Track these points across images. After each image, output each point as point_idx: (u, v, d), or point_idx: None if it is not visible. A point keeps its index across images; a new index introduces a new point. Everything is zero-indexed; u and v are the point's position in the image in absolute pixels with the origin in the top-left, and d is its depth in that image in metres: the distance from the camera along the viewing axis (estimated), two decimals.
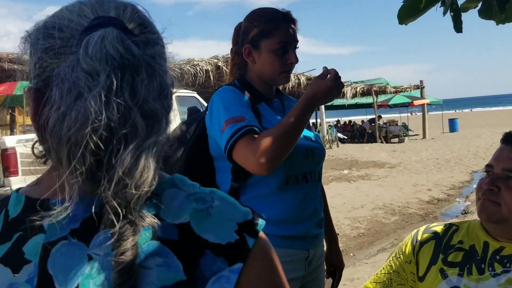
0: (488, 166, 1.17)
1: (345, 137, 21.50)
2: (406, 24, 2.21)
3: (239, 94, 1.48)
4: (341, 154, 14.79)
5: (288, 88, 15.10)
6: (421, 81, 21.57)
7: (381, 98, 22.08)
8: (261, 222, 0.62)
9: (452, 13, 2.13)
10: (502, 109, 60.76)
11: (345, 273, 4.47)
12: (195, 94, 8.67)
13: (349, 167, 11.63)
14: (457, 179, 9.32)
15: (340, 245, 5.80)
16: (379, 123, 20.79)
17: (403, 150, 15.49)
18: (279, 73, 1.52)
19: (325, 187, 6.28)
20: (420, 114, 24.78)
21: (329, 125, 19.51)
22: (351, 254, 5.17)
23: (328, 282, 1.76)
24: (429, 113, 24.35)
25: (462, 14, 2.22)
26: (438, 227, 1.30)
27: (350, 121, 25.67)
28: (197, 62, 11.19)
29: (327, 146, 16.52)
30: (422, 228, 1.34)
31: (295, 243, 1.48)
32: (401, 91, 21.19)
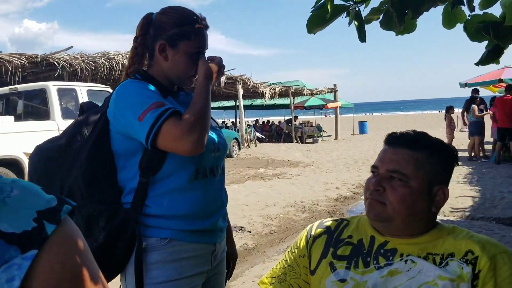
0: (374, 167, 1.23)
1: (263, 137, 21.94)
2: (314, 33, 2.32)
3: (147, 85, 1.45)
4: (259, 153, 15.06)
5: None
6: (334, 85, 22.65)
7: (298, 99, 22.87)
8: (65, 208, 0.61)
9: (356, 24, 2.27)
10: (408, 113, 65.64)
11: (256, 269, 4.60)
12: (109, 89, 8.33)
13: (265, 166, 11.88)
14: (364, 178, 9.89)
15: (251, 242, 5.87)
16: (295, 124, 21.47)
17: (317, 150, 16.15)
18: (189, 76, 1.54)
19: (241, 186, 6.34)
20: (333, 116, 25.96)
21: (248, 125, 19.79)
22: (263, 251, 5.29)
23: None
24: (342, 115, 25.63)
25: (368, 24, 2.37)
26: (330, 222, 1.36)
27: (268, 121, 26.23)
28: (112, 56, 10.77)
29: (246, 145, 16.74)
30: (316, 223, 1.39)
31: (203, 237, 1.50)
32: (316, 94, 22.10)
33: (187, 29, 1.49)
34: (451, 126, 12.36)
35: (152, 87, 1.45)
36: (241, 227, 5.85)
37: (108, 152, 1.46)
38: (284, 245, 5.52)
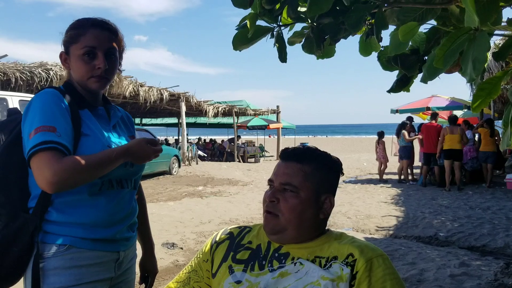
0: (270, 180, 1.34)
1: (205, 155, 21.88)
2: (240, 51, 2.43)
3: (59, 99, 1.47)
4: (199, 171, 14.99)
5: (150, 102, 14.92)
6: (277, 106, 23.14)
7: (242, 119, 23.10)
8: None
9: (277, 45, 2.41)
10: (348, 137, 67.99)
11: None
12: None
13: (205, 184, 11.85)
14: None
15: (183, 258, 5.82)
16: (238, 143, 21.63)
17: (257, 170, 16.34)
18: (88, 78, 1.54)
19: (177, 203, 6.31)
20: (275, 137, 26.40)
21: (190, 142, 19.67)
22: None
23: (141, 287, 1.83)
24: (284, 136, 26.13)
25: (292, 46, 2.51)
26: (235, 229, 1.46)
27: (211, 140, 26.22)
28: (50, 66, 10.42)
29: (187, 163, 16.61)
30: (221, 230, 1.48)
31: (105, 245, 1.51)
32: (260, 114, 22.45)
33: (72, 33, 1.54)
34: (378, 152, 12.84)
35: (61, 103, 1.47)
36: (173, 244, 5.80)
37: (19, 158, 1.47)
38: None
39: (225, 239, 1.42)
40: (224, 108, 19.63)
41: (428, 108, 12.76)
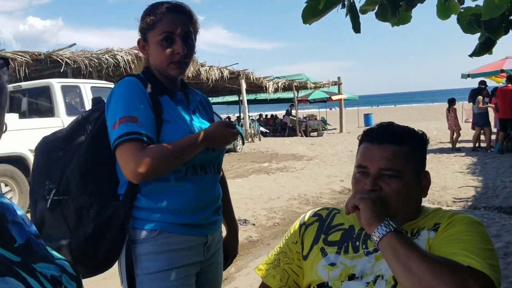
0: (361, 166, 1.24)
1: (267, 131, 21.92)
2: (310, 24, 2.36)
3: (139, 88, 1.49)
4: (263, 147, 15.11)
5: (212, 81, 15.14)
6: (338, 78, 22.59)
7: (302, 93, 22.83)
8: None
9: (350, 15, 2.31)
10: (413, 105, 65.29)
11: (260, 261, 4.61)
12: (113, 85, 8.38)
13: (269, 160, 11.93)
14: None
15: (256, 234, 5.94)
16: (299, 118, 21.47)
17: (321, 144, 16.16)
18: (167, 64, 1.54)
19: (245, 180, 6.40)
20: (337, 109, 25.92)
21: (252, 119, 19.80)
22: (267, 243, 5.35)
23: None
24: (346, 108, 25.55)
25: (365, 15, 2.40)
26: (322, 211, 1.43)
27: (272, 115, 26.22)
28: (116, 52, 10.82)
29: (249, 139, 16.79)
30: (308, 212, 1.45)
31: (193, 230, 1.54)
32: (320, 87, 22.05)
33: (148, 20, 1.53)
34: (449, 119, 12.22)
35: (142, 91, 1.49)
36: (245, 220, 5.92)
37: (107, 146, 1.50)
38: None
39: (314, 221, 1.40)
40: (284, 83, 19.49)
41: (502, 71, 11.87)
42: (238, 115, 26.47)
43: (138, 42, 1.59)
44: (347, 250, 1.27)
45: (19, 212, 0.76)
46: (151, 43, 1.54)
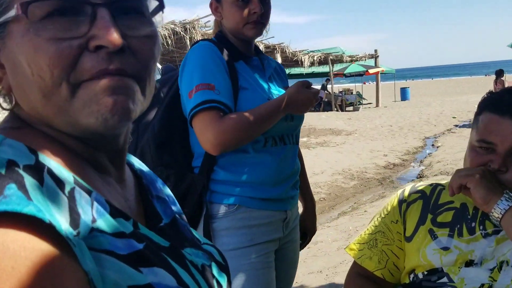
0: (486, 142, 1.06)
1: None
2: None
3: (214, 53, 1.40)
4: None
5: None
6: (375, 51, 21.91)
7: (337, 67, 22.30)
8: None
9: None
10: (451, 79, 63.14)
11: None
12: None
13: (307, 135, 11.73)
14: (411, 145, 9.62)
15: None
16: (335, 92, 21.04)
17: (358, 118, 15.80)
18: (243, 24, 1.44)
19: None
20: (372, 83, 25.29)
21: None
22: None
23: None
24: (382, 82, 24.83)
25: None
26: (424, 186, 1.25)
27: None
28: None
29: None
30: (407, 188, 1.28)
31: (274, 205, 1.45)
32: (356, 60, 21.46)
33: None
34: None
35: (217, 56, 1.40)
36: None
37: (180, 116, 1.44)
38: (335, 212, 5.44)
39: (417, 198, 1.22)
40: (320, 56, 19.04)
41: None
42: None
43: (211, 4, 1.50)
44: (461, 233, 1.10)
45: (163, 187, 0.66)
46: (225, 3, 1.45)
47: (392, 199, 1.28)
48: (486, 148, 1.06)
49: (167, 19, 10.61)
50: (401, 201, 1.24)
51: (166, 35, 10.43)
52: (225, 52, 1.43)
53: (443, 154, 8.05)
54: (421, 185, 1.27)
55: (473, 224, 1.09)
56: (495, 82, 11.66)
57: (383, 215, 1.28)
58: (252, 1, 1.43)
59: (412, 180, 6.66)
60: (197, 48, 1.43)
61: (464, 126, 11.96)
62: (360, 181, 6.69)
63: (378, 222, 1.28)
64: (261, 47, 15.21)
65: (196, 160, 1.45)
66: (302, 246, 1.72)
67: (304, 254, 3.87)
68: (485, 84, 33.58)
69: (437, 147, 9.30)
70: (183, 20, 10.52)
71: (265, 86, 1.49)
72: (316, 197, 5.89)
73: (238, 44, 1.49)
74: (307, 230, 1.74)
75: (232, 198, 1.39)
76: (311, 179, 6.56)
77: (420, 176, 6.81)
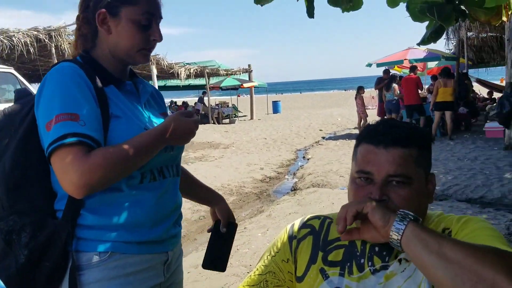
0: (364, 172, 1.08)
1: None
2: (262, 5, 2.20)
3: (79, 76, 1.21)
4: None
5: None
6: (249, 65, 22.63)
7: (213, 80, 22.56)
8: None
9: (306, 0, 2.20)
10: (316, 93, 68.13)
11: (189, 259, 4.41)
12: (12, 70, 7.43)
13: (186, 149, 11.56)
14: (284, 157, 10.07)
15: (182, 230, 5.59)
16: (211, 105, 21.22)
17: (235, 131, 16.13)
18: (139, 49, 1.30)
19: None
20: (246, 96, 26.09)
21: None
22: (193, 238, 5.12)
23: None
24: (255, 95, 25.76)
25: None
26: (314, 221, 1.23)
27: (183, 102, 25.65)
28: (12, 33, 9.65)
29: None
30: (297, 222, 1.24)
31: (153, 247, 1.30)
32: (232, 74, 21.95)
33: None
34: (358, 107, 12.88)
35: (82, 80, 1.21)
36: None
37: (38, 151, 1.21)
38: None
39: (307, 234, 1.19)
40: (196, 69, 19.03)
41: (403, 61, 12.73)
42: None
43: (99, 13, 1.27)
44: (351, 271, 1.09)
45: None
46: (125, 20, 1.27)
47: (281, 235, 1.24)
48: (366, 178, 1.07)
49: (30, 25, 9.63)
50: (291, 238, 1.21)
51: (28, 42, 9.48)
52: (91, 74, 1.24)
53: (314, 166, 8.55)
54: (309, 218, 1.24)
55: (362, 261, 1.09)
56: (356, 97, 12.87)
57: (273, 253, 1.23)
58: (154, 28, 1.30)
59: (287, 192, 6.94)
60: (58, 70, 1.21)
61: (330, 138, 12.92)
62: (239, 196, 6.76)
63: (268, 261, 1.22)
64: None
65: (59, 202, 1.23)
66: (234, 233, 1.65)
67: (184, 281, 3.73)
68: (346, 99, 36.97)
69: (308, 159, 9.87)
70: (48, 27, 9.66)
71: (141, 114, 1.33)
72: (196, 216, 5.80)
73: (110, 66, 1.31)
74: (230, 216, 1.65)
75: (103, 244, 1.21)
76: None
77: (294, 189, 7.12)
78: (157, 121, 1.38)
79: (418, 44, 2.54)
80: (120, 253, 1.22)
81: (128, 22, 1.26)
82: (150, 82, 18.40)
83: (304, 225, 1.22)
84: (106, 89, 1.26)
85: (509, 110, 7.74)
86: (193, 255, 4.45)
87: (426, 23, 2.43)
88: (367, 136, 1.12)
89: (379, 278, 1.05)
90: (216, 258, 1.65)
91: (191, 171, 6.20)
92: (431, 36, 2.42)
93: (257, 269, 1.23)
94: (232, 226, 1.67)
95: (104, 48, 1.31)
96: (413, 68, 11.07)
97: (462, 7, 2.25)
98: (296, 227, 1.22)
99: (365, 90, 13.17)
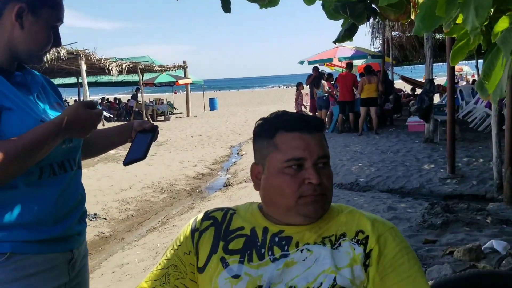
0: (298, 159, 1.09)
1: (111, 116, 20.74)
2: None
3: None
4: None
5: (48, 61, 13.61)
6: (184, 62, 22.34)
7: (147, 76, 22.03)
8: None
9: None
10: (253, 90, 68.68)
11: (115, 258, 4.30)
12: None
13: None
14: (219, 154, 10.07)
15: (108, 229, 5.51)
16: (145, 102, 20.72)
17: (169, 128, 15.86)
18: (43, 51, 1.30)
19: (91, 170, 5.88)
20: (183, 93, 25.79)
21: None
22: (121, 238, 4.98)
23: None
24: (192, 92, 25.50)
25: None
26: (217, 213, 1.23)
27: (115, 99, 24.82)
28: None
29: None
30: (199, 216, 1.24)
31: (55, 246, 1.26)
32: (166, 70, 21.56)
33: None
34: (298, 101, 13.24)
35: None
36: (95, 215, 5.41)
37: None
38: (143, 229, 5.28)
39: (209, 226, 1.19)
40: (128, 65, 18.48)
41: (334, 59, 13.16)
42: (76, 98, 24.41)
43: (19, 7, 1.22)
44: (251, 258, 1.10)
45: None
46: (42, 21, 1.26)
47: (185, 229, 1.23)
48: (298, 165, 1.08)
49: None
50: (193, 230, 1.19)
51: None
52: None
53: (247, 162, 8.62)
54: (212, 211, 1.24)
55: (262, 250, 1.10)
56: (296, 92, 13.25)
57: (175, 247, 1.21)
58: (57, 33, 1.32)
59: (219, 189, 6.95)
60: None
61: None
62: (170, 194, 6.67)
63: (170, 255, 1.21)
64: (63, 52, 13.99)
65: None
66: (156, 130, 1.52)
67: (107, 281, 3.62)
68: (281, 96, 37.60)
69: (242, 155, 9.94)
70: None
71: (35, 106, 1.27)
72: (123, 215, 5.65)
73: (1, 57, 1.25)
74: (148, 126, 1.50)
75: (1, 245, 1.15)
76: (119, 195, 6.29)
77: (226, 185, 7.14)
78: (52, 113, 1.33)
79: (334, 42, 2.63)
80: (20, 254, 1.17)
81: (45, 23, 1.26)
82: (79, 77, 17.60)
83: (207, 217, 1.22)
84: None
85: (428, 105, 8.25)
86: (119, 255, 4.34)
87: (341, 21, 2.52)
88: (285, 125, 1.12)
89: (278, 265, 1.07)
90: (138, 153, 1.49)
91: (120, 170, 6.00)
92: (345, 34, 2.51)
93: (160, 264, 1.22)
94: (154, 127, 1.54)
95: (2, 40, 1.24)
96: (349, 66, 11.47)
97: (373, 5, 2.36)
98: (198, 220, 1.22)
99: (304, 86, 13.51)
